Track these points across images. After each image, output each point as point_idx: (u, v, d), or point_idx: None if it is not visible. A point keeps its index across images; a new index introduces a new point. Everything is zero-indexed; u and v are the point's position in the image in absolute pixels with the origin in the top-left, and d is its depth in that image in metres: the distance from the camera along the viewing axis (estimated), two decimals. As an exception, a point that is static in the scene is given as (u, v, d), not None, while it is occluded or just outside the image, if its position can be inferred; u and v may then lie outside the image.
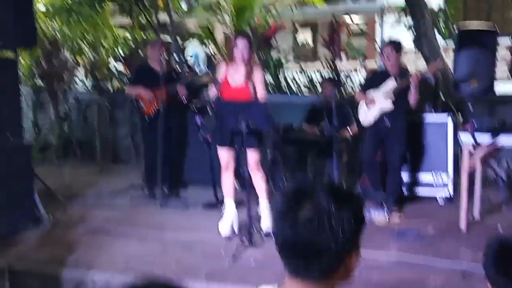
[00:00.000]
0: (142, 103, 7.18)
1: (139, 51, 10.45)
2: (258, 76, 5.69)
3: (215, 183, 6.80)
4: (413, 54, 11.70)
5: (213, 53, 11.11)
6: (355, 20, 15.90)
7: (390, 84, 6.35)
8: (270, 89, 9.32)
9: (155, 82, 6.92)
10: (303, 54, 17.12)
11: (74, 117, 10.39)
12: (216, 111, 5.63)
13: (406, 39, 9.56)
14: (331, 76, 9.47)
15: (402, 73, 6.39)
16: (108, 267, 5.07)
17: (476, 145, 5.65)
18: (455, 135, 6.67)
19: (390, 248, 5.35)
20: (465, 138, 5.70)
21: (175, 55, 9.96)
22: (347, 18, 15.49)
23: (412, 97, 6.24)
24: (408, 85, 6.19)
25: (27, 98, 10.14)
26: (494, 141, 5.64)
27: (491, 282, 2.20)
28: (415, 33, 9.15)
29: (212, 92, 5.79)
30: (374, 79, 6.62)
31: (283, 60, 10.83)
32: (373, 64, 11.99)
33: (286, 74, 10.40)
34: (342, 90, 9.11)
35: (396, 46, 6.42)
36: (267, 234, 5.51)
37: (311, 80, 10.30)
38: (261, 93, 5.63)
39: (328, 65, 10.27)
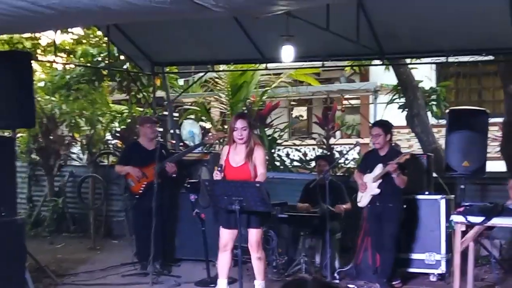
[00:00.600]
0: (131, 181, 7.23)
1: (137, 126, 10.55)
2: (258, 155, 5.66)
3: (208, 260, 6.76)
4: (406, 131, 11.84)
5: (207, 129, 11.23)
6: (349, 98, 16.16)
7: (378, 169, 6.39)
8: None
9: (145, 159, 7.02)
10: (298, 130, 17.29)
11: (69, 192, 10.40)
12: (211, 191, 5.59)
13: (399, 117, 9.70)
14: (325, 152, 9.57)
15: (393, 153, 6.41)
16: None
17: (469, 225, 5.66)
18: (447, 215, 6.67)
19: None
20: (458, 218, 5.71)
21: (171, 131, 10.06)
22: (341, 98, 15.76)
23: (397, 181, 6.26)
24: (395, 169, 6.18)
25: (22, 172, 10.19)
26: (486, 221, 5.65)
27: None
28: (407, 112, 9.29)
29: (215, 176, 5.66)
30: (368, 160, 6.69)
31: (277, 137, 10.95)
32: (368, 141, 12.09)
33: (281, 151, 10.51)
34: (336, 167, 9.19)
35: (384, 127, 6.43)
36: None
37: (305, 156, 10.41)
38: (261, 172, 5.61)
39: (322, 142, 10.42)
